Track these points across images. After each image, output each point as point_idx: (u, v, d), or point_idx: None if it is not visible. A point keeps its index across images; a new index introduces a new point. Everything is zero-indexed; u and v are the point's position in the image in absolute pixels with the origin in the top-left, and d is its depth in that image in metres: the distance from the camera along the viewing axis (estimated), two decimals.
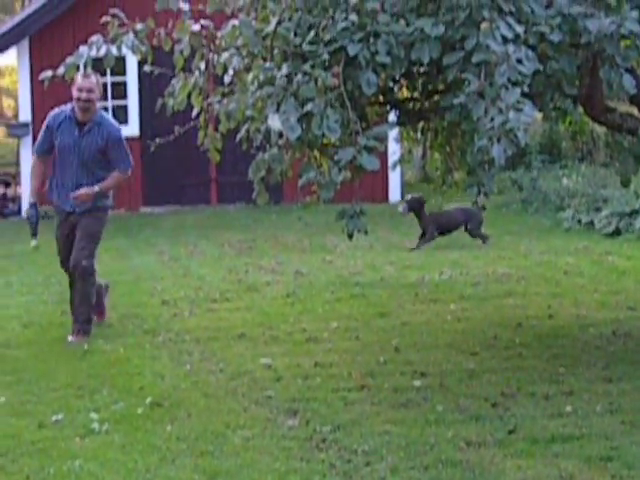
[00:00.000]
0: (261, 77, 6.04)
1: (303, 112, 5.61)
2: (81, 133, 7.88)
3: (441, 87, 6.99)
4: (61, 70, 6.43)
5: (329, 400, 6.17)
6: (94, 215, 7.97)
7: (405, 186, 18.48)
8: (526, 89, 5.49)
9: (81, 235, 7.91)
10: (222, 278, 10.63)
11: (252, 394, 6.37)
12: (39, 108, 16.93)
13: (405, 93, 7.72)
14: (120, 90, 17.71)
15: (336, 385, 6.50)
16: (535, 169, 17.54)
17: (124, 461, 5.21)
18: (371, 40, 5.64)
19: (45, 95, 14.46)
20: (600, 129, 16.94)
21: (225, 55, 6.49)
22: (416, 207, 12.63)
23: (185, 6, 6.54)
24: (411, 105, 7.60)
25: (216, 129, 7.10)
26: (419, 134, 8.46)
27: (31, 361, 7.33)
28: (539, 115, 6.61)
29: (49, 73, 6.53)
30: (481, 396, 6.17)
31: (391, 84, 7.09)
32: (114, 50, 6.44)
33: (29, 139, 17.02)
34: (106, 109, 16.17)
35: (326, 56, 5.67)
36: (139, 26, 6.51)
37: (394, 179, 18.00)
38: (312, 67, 5.69)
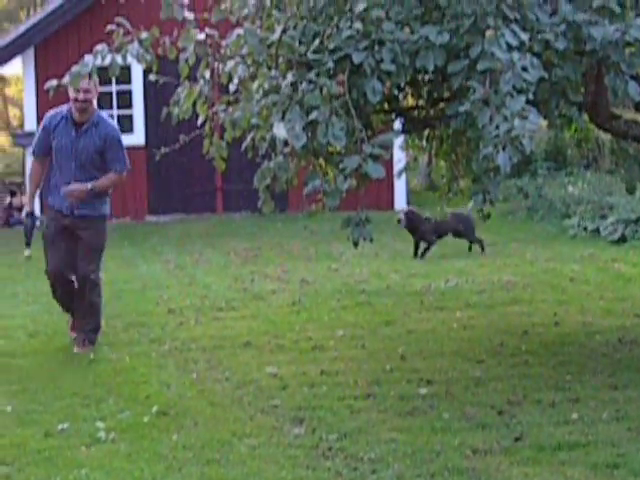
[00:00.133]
0: (266, 85, 6.05)
1: (308, 120, 5.62)
2: (78, 134, 7.77)
3: (446, 95, 7.00)
4: (66, 79, 6.43)
5: (335, 408, 6.16)
6: (94, 227, 7.87)
7: (411, 194, 18.49)
8: (531, 96, 5.50)
9: (85, 251, 7.83)
10: (228, 286, 10.64)
11: (258, 402, 6.36)
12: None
13: (410, 101, 7.73)
14: (125, 99, 17.75)
15: (342, 393, 6.49)
16: (540, 176, 17.56)
17: (130, 470, 5.20)
18: (376, 48, 5.64)
19: (50, 104, 14.49)
20: (605, 136, 16.89)
21: (230, 64, 6.49)
22: (414, 221, 12.66)
23: (190, 15, 6.54)
24: (416, 113, 7.61)
25: (221, 137, 7.10)
26: (424, 142, 8.45)
27: (37, 370, 7.34)
28: (544, 122, 6.60)
29: (54, 82, 6.52)
30: (487, 404, 6.16)
31: (396, 92, 7.09)
32: (119, 59, 6.44)
33: None
34: (112, 118, 16.18)
35: (331, 64, 5.68)
36: (144, 35, 6.51)
37: (399, 187, 18.04)
38: (317, 75, 5.69)
